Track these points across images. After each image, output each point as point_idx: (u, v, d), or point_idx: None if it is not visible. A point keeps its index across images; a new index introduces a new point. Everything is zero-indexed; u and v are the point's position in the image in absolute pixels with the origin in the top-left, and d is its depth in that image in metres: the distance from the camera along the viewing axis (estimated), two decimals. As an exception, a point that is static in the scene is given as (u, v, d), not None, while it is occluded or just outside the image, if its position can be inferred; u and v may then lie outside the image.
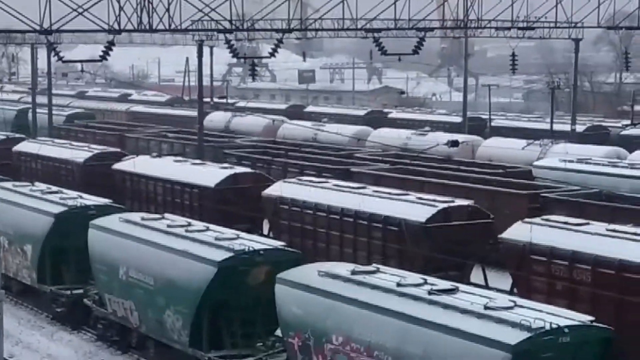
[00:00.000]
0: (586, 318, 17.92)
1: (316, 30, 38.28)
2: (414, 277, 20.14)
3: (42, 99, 59.56)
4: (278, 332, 21.81)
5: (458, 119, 62.38)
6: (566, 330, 17.10)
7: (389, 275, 20.37)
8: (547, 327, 16.93)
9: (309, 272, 21.28)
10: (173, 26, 30.83)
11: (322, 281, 20.57)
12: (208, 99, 74.11)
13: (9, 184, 33.72)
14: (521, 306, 18.11)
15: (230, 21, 32.60)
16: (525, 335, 16.82)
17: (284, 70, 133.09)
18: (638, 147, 46.41)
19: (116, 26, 29.56)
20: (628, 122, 60.36)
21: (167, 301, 23.72)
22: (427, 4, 35.82)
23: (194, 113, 66.08)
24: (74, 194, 31.28)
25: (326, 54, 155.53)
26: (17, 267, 30.40)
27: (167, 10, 30.11)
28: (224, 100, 76.27)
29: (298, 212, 31.61)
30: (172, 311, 23.52)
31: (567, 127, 54.11)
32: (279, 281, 21.43)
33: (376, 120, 65.47)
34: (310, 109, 76.93)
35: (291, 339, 20.91)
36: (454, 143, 40.97)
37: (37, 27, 28.29)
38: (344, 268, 21.15)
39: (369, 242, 29.28)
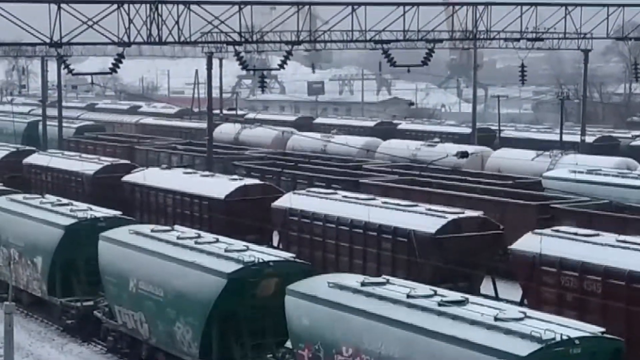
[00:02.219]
0: (597, 329, 17.87)
1: (325, 42, 38.33)
2: (424, 289, 20.12)
3: (52, 112, 59.76)
4: (288, 344, 21.80)
5: (467, 130, 62.34)
6: (577, 341, 17.05)
7: (398, 287, 20.35)
8: (558, 338, 16.88)
9: (318, 284, 21.28)
10: (182, 38, 30.90)
11: (331, 292, 20.56)
12: (217, 111, 74.30)
13: (19, 196, 33.81)
14: (531, 317, 18.07)
15: (240, 33, 32.67)
16: (536, 346, 16.77)
17: (293, 82, 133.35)
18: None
19: (126, 39, 29.65)
20: (638, 132, 60.34)
21: (177, 313, 23.73)
22: (436, 15, 35.86)
23: (203, 125, 66.21)
24: (84, 206, 31.34)
25: (335, 66, 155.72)
26: (27, 279, 30.46)
27: (177, 22, 30.19)
28: (234, 112, 76.42)
29: (307, 223, 31.62)
30: (182, 323, 23.54)
31: (577, 138, 54.03)
32: (288, 293, 21.43)
33: (385, 131, 65.52)
34: (319, 120, 77.02)
35: (301, 350, 20.89)
36: (464, 154, 40.97)
37: (47, 40, 28.40)
38: (353, 279, 21.14)
39: (378, 253, 29.28)
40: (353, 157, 50.09)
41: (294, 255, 24.82)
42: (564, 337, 16.92)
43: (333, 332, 20.04)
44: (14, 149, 50.54)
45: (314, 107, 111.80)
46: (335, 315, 20.06)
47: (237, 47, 34.86)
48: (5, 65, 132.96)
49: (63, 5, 28.03)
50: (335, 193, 33.14)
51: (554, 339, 16.86)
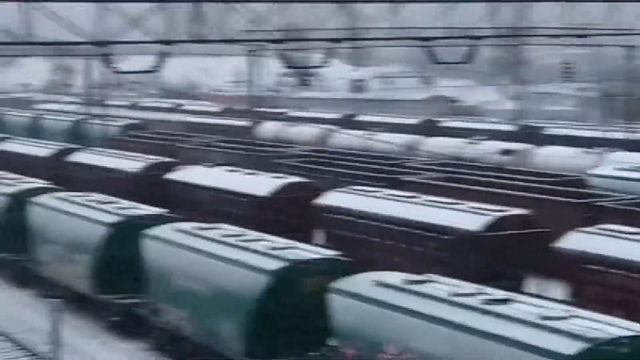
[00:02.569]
0: (644, 328, 17.64)
1: (367, 39, 38.25)
2: (468, 287, 20.00)
3: (96, 110, 60.22)
4: (332, 342, 21.76)
5: (511, 128, 61.92)
6: (625, 340, 16.84)
7: (443, 285, 20.25)
8: (605, 337, 16.69)
9: (362, 282, 21.23)
10: (224, 36, 30.96)
11: (375, 291, 20.50)
12: (259, 109, 74.36)
13: (64, 194, 34.09)
14: (577, 316, 17.88)
15: (280, 31, 32.71)
16: (583, 345, 16.58)
17: (335, 80, 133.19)
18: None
19: (168, 37, 29.73)
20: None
21: (222, 310, 23.79)
22: (479, 11, 35.64)
23: (246, 123, 66.24)
24: (128, 203, 31.54)
25: (376, 63, 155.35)
26: (72, 276, 30.68)
27: (218, 21, 30.28)
28: (276, 110, 76.53)
29: (350, 221, 31.57)
30: (226, 321, 23.58)
31: (622, 135, 53.47)
32: (332, 291, 21.40)
33: (428, 129, 65.23)
34: (361, 117, 76.84)
35: (345, 348, 20.85)
36: (507, 152, 40.73)
37: (91, 39, 28.57)
38: (397, 277, 21.06)
39: (421, 251, 29.15)
40: (396, 154, 49.92)
41: (338, 253, 24.76)
42: (612, 336, 16.72)
43: (377, 330, 19.98)
44: (59, 147, 50.99)
45: (356, 104, 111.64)
46: (380, 313, 19.99)
47: (278, 44, 34.87)
48: (49, 64, 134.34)
49: (104, 4, 28.19)
50: (378, 191, 33.05)
51: (601, 337, 16.67)
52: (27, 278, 33.97)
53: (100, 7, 27.87)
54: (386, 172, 41.78)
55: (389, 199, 31.57)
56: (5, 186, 37.10)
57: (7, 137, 57.31)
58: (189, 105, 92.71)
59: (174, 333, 26.20)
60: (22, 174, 41.29)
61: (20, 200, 34.76)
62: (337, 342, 21.29)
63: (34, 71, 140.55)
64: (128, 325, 28.51)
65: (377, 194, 32.38)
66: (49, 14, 26.98)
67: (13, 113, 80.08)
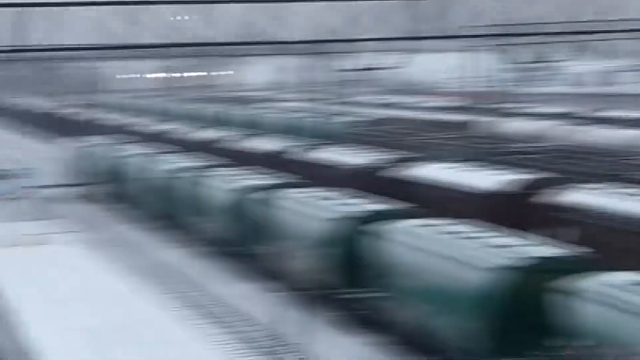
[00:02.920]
0: None
1: (613, 31, 36.67)
2: None
3: (327, 107, 61.07)
4: (566, 343, 20.95)
5: None
6: None
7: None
8: None
9: (601, 281, 20.32)
10: (464, 32, 30.55)
11: (616, 291, 19.52)
12: (497, 104, 73.54)
13: (299, 190, 34.63)
14: None
15: (504, 26, 31.89)
16: None
17: (575, 74, 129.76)
18: None
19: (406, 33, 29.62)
20: None
21: (450, 309, 23.47)
22: None
23: (480, 118, 65.57)
24: (358, 199, 31.72)
25: (619, 56, 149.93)
26: (308, 271, 31.08)
27: (455, 16, 29.87)
28: (513, 105, 75.34)
29: (587, 220, 30.48)
30: (455, 319, 23.25)
31: None
32: (568, 290, 20.60)
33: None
34: (603, 113, 74.18)
35: (582, 351, 20.00)
36: None
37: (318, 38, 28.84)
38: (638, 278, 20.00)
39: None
40: (632, 151, 47.89)
41: (575, 251, 23.86)
42: None
43: (618, 334, 19.02)
44: (294, 144, 52.08)
45: (598, 99, 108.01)
46: (622, 315, 19.01)
47: (518, 39, 34.08)
48: (282, 63, 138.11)
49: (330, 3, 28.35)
50: (619, 189, 31.79)
51: None
52: (259, 271, 34.80)
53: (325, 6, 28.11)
54: (621, 170, 40.19)
55: (625, 197, 30.28)
56: (242, 181, 38.23)
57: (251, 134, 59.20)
58: (418, 101, 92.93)
59: (406, 328, 26.07)
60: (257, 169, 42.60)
61: (257, 196, 35.64)
62: (572, 344, 20.50)
63: (264, 70, 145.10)
64: (367, 321, 28.54)
65: (612, 192, 31.15)
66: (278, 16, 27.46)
67: (245, 111, 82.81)
